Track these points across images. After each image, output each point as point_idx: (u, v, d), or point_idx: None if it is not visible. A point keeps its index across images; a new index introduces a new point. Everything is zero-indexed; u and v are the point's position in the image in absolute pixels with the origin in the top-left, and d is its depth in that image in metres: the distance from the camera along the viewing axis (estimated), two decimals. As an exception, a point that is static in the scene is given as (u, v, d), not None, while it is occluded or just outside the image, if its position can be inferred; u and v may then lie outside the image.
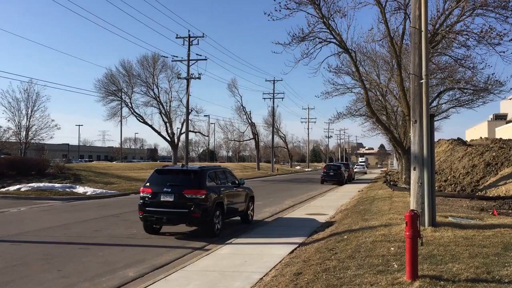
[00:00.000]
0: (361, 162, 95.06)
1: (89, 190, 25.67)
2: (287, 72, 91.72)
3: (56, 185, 26.43)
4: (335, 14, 19.97)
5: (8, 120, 38.41)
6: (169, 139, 52.47)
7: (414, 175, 10.42)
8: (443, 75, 25.98)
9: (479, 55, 30.86)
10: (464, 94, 29.00)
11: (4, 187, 25.59)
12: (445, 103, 33.49)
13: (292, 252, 10.04)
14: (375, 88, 31.55)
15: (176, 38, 41.48)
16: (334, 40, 21.02)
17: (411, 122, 10.62)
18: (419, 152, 10.29)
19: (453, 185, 24.12)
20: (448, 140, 39.08)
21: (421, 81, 10.23)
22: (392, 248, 8.47)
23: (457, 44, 21.45)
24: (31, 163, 31.99)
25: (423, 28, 10.23)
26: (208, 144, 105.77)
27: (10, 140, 38.21)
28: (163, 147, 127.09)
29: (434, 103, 31.22)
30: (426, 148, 10.12)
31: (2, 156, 35.04)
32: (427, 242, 8.30)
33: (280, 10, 18.29)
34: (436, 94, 28.74)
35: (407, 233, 6.48)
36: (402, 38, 22.07)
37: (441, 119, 38.70)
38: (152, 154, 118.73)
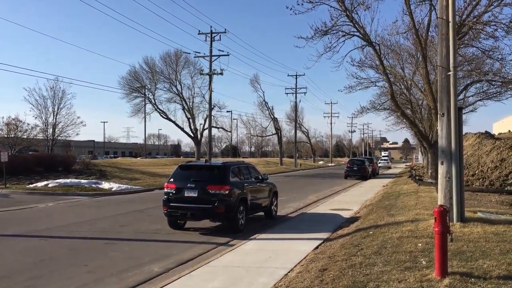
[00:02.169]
0: (384, 156, 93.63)
1: (114, 186, 26.00)
2: (309, 66, 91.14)
3: (82, 181, 26.85)
4: (359, 6, 19.61)
5: (36, 118, 39.08)
6: (192, 135, 52.77)
7: (441, 169, 10.20)
8: (470, 67, 25.40)
9: (507, 46, 30.11)
10: (492, 87, 28.33)
11: (32, 183, 26.11)
12: (472, 95, 32.83)
13: (317, 247, 9.95)
14: (399, 81, 31.06)
15: (199, 34, 41.67)
16: (358, 33, 20.69)
17: (439, 116, 10.39)
18: (446, 146, 10.06)
19: (481, 180, 23.62)
20: (475, 134, 38.26)
21: (449, 73, 9.98)
22: (420, 244, 8.31)
23: (484, 35, 20.92)
24: (58, 159, 32.63)
25: (450, 19, 9.97)
26: (231, 140, 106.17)
27: (37, 137, 38.86)
28: (186, 143, 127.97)
29: (461, 96, 30.58)
30: (454, 142, 9.89)
31: (30, 153, 35.81)
32: (456, 238, 8.10)
33: (302, 4, 18.04)
34: (463, 87, 28.14)
35: (436, 229, 6.33)
36: (428, 30, 21.59)
37: (468, 112, 37.92)
38: (175, 150, 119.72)
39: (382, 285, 6.10)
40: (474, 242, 8.18)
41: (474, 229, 9.29)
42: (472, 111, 38.14)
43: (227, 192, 12.02)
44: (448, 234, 6.35)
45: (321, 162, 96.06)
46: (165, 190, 12.54)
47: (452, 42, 9.94)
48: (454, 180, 9.87)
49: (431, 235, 8.95)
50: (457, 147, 9.93)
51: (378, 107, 35.53)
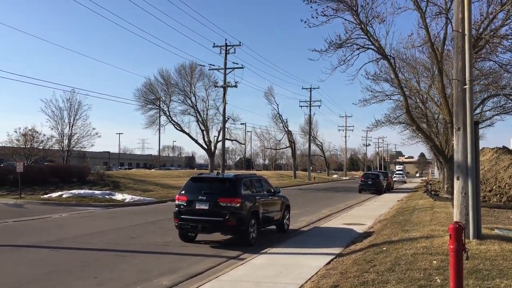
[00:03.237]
0: (398, 170, 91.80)
1: (127, 197, 26.05)
2: (324, 79, 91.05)
3: (96, 192, 26.97)
4: (373, 20, 19.57)
5: (52, 129, 39.52)
6: (206, 147, 52.89)
7: (457, 184, 9.96)
8: (487, 81, 25.10)
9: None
10: (509, 101, 27.93)
11: (46, 194, 26.31)
12: (489, 110, 32.49)
13: (328, 263, 9.75)
14: (415, 95, 30.83)
15: (213, 47, 41.93)
16: (372, 47, 20.62)
17: (454, 130, 10.18)
18: (462, 161, 9.83)
19: (498, 196, 23.12)
20: (492, 149, 37.55)
21: (465, 86, 9.80)
22: (435, 262, 8.07)
23: (502, 49, 20.70)
24: (73, 170, 32.87)
25: (466, 32, 9.81)
26: (245, 152, 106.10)
27: (53, 148, 39.27)
28: (200, 155, 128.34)
29: (478, 110, 30.20)
30: (470, 156, 9.66)
31: (46, 163, 36.14)
32: (472, 255, 7.85)
33: (317, 17, 18.07)
34: (479, 101, 27.79)
35: (451, 247, 6.11)
36: (444, 44, 21.44)
37: (485, 126, 37.50)
38: (189, 162, 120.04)
39: (395, 304, 5.91)
40: (491, 260, 7.93)
41: (491, 247, 9.02)
42: (489, 125, 37.70)
43: (238, 205, 11.90)
44: (463, 252, 6.14)
45: (335, 176, 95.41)
46: (176, 202, 12.46)
47: (468, 55, 9.77)
48: (470, 196, 9.62)
49: (446, 252, 8.70)
50: (473, 162, 9.69)
51: (393, 120, 35.23)
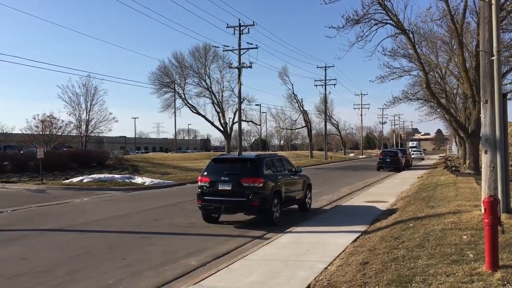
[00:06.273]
0: (412, 147, 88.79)
1: (147, 181, 26.24)
2: (341, 56, 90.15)
3: (116, 176, 27.22)
4: (391, -7, 19.14)
5: (69, 114, 39.84)
6: (222, 129, 52.95)
7: (485, 158, 9.77)
8: (508, 53, 24.49)
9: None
10: (531, 73, 27.27)
11: (67, 179, 26.62)
12: (510, 83, 31.72)
13: (355, 240, 9.69)
14: (433, 70, 30.26)
15: (227, 27, 41.52)
16: (391, 21, 20.22)
17: (482, 103, 9.94)
18: (491, 134, 9.62)
19: (521, 170, 22.75)
20: (513, 123, 36.91)
21: (492, 58, 9.53)
22: (465, 237, 7.96)
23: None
24: (92, 155, 33.22)
25: (493, 1, 9.50)
26: (260, 133, 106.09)
27: (71, 134, 39.61)
28: (216, 137, 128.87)
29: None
30: (498, 129, 9.45)
31: (65, 149, 36.53)
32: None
33: (333, -8, 17.70)
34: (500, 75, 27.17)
35: (486, 220, 6.01)
36: (464, 16, 20.93)
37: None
38: (205, 144, 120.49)
39: (429, 279, 5.83)
40: (523, 234, 7.79)
41: (521, 221, 8.86)
42: (509, 99, 36.87)
43: (261, 185, 11.87)
44: (499, 226, 6.03)
45: (351, 154, 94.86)
46: (199, 183, 12.47)
47: (495, 25, 9.47)
48: (499, 170, 9.44)
49: (475, 227, 8.59)
50: (502, 135, 9.48)
51: (411, 97, 34.67)
